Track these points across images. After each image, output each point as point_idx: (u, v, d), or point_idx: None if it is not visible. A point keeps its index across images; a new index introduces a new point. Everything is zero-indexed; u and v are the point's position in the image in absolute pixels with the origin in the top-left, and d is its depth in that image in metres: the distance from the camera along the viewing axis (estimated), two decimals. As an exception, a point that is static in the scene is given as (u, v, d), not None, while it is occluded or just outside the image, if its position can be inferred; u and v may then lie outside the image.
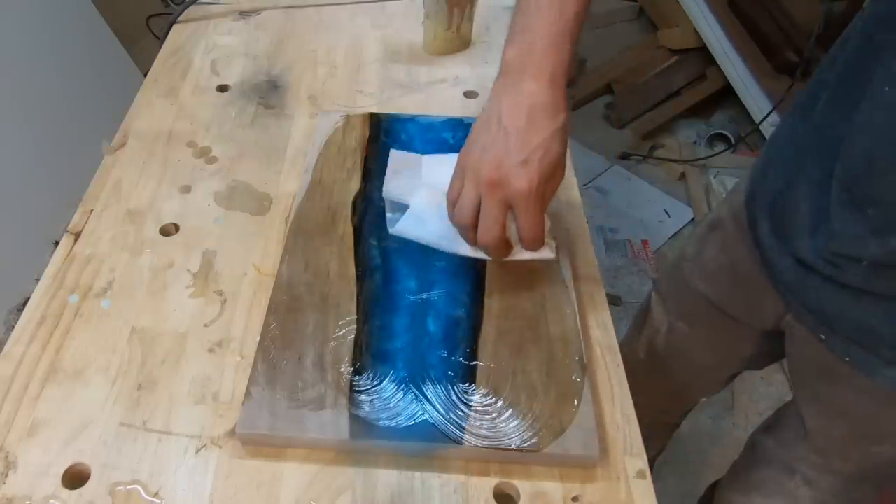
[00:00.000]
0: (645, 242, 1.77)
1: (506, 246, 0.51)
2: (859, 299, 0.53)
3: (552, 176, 0.49)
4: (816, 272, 0.56)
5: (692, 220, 1.82)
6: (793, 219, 0.58)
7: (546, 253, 0.52)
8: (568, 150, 0.72)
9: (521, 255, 0.52)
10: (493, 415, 0.49)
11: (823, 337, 0.58)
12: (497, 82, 0.51)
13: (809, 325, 0.59)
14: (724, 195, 1.60)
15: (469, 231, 0.50)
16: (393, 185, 0.58)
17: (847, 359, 0.56)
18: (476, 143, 0.50)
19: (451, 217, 0.51)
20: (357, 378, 0.51)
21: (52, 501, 0.47)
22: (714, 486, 0.94)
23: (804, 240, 0.56)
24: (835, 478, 0.68)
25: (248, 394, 0.50)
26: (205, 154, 0.73)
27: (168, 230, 0.65)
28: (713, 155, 1.93)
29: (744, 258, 0.67)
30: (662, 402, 0.96)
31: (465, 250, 0.53)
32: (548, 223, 0.52)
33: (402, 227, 0.55)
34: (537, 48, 0.49)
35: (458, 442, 0.48)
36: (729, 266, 0.72)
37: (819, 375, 0.63)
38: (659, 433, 1.09)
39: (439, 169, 0.55)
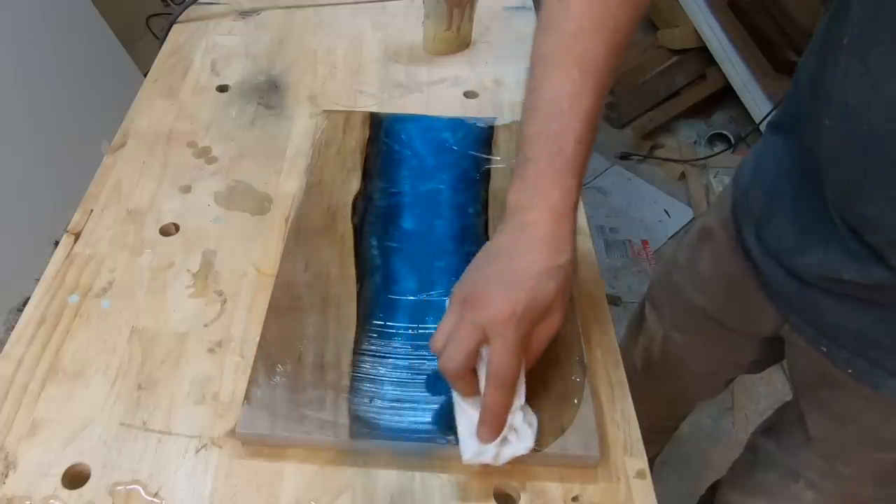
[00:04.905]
0: (645, 242, 1.77)
1: (469, 379, 0.44)
2: (860, 312, 0.52)
3: (542, 316, 0.44)
4: (813, 286, 0.54)
5: (692, 220, 1.82)
6: (780, 237, 0.56)
7: (522, 444, 0.44)
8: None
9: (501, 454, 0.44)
10: (493, 415, 0.49)
11: (825, 349, 0.56)
12: (502, 222, 0.48)
13: (809, 338, 0.58)
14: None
15: (439, 360, 0.44)
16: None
17: (850, 371, 0.55)
18: (469, 272, 0.47)
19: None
20: (357, 378, 0.51)
21: (52, 501, 0.46)
22: (714, 487, 0.94)
23: (796, 257, 0.55)
24: (839, 481, 0.68)
25: (248, 394, 0.50)
26: (205, 154, 0.73)
27: (168, 230, 0.65)
28: (713, 155, 1.93)
29: (737, 270, 0.65)
30: (661, 408, 0.96)
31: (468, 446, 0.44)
32: (520, 405, 0.44)
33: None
34: (540, 187, 0.46)
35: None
36: (722, 277, 0.70)
37: (822, 384, 0.62)
38: (657, 437, 1.09)
39: None
